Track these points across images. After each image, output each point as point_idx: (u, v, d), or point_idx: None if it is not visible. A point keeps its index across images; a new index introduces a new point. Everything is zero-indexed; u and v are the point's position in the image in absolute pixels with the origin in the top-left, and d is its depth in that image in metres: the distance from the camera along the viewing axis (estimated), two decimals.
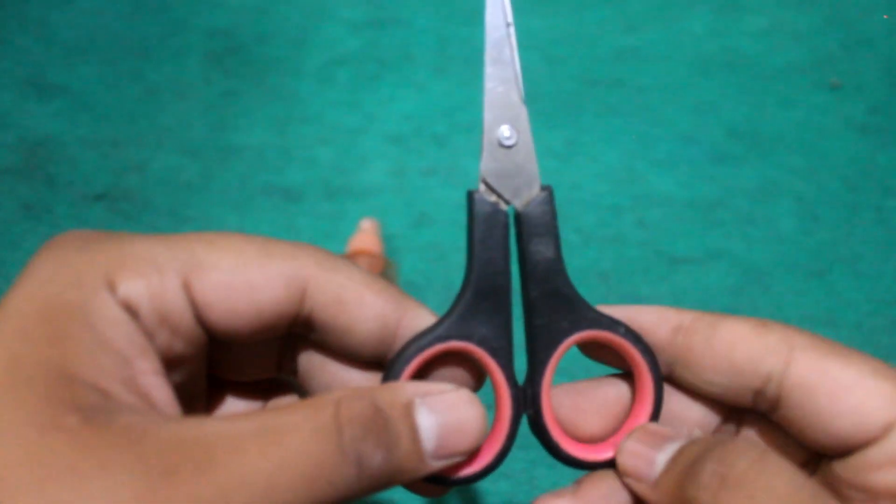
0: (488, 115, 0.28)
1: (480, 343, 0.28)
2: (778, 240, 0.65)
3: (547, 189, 0.29)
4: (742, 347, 0.26)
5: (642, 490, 0.26)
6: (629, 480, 0.27)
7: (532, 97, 0.87)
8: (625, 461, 0.27)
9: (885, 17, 0.83)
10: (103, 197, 0.68)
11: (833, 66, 0.79)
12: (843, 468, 0.25)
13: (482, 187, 0.28)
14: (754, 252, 0.64)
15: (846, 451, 0.25)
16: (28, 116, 0.76)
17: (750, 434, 0.28)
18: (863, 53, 0.80)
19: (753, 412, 0.28)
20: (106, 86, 0.79)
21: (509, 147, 0.28)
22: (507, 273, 0.28)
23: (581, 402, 0.29)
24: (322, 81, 0.79)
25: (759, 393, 0.26)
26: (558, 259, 0.29)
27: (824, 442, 0.25)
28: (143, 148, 0.73)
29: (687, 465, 0.24)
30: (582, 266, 0.63)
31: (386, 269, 0.59)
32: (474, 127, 0.83)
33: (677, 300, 0.61)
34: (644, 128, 0.74)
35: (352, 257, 0.60)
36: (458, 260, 0.68)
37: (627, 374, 0.30)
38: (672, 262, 0.63)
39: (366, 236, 0.62)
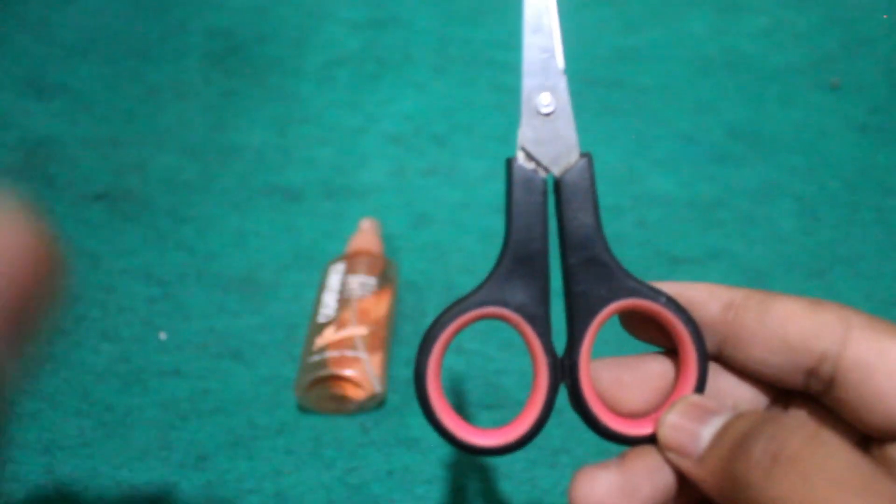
0: (527, 83, 0.29)
1: (518, 310, 0.27)
2: (778, 240, 0.65)
3: (586, 156, 0.28)
4: (796, 324, 0.25)
5: (686, 466, 0.25)
6: (671, 455, 0.26)
7: None
8: (667, 435, 0.26)
9: (884, 17, 0.83)
10: (103, 197, 0.69)
11: (833, 66, 0.79)
12: None
13: (521, 155, 0.28)
14: (754, 252, 0.64)
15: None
16: (28, 116, 0.76)
17: (799, 415, 0.27)
18: (863, 53, 0.80)
19: (802, 394, 0.27)
20: (106, 86, 0.79)
21: (547, 115, 0.29)
22: (544, 240, 0.28)
23: (623, 375, 0.28)
24: (322, 81, 0.79)
25: (812, 373, 0.25)
26: (597, 227, 0.28)
27: (880, 424, 0.24)
28: (143, 148, 0.73)
29: (735, 442, 0.23)
30: None
31: (386, 269, 0.59)
32: (474, 127, 0.84)
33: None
34: (644, 128, 0.74)
35: (352, 257, 0.60)
36: (459, 260, 0.68)
37: (671, 352, 0.29)
38: (672, 262, 0.63)
39: (366, 236, 0.62)
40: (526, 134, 0.29)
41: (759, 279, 0.62)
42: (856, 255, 0.64)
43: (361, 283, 0.58)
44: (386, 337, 0.57)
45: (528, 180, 0.28)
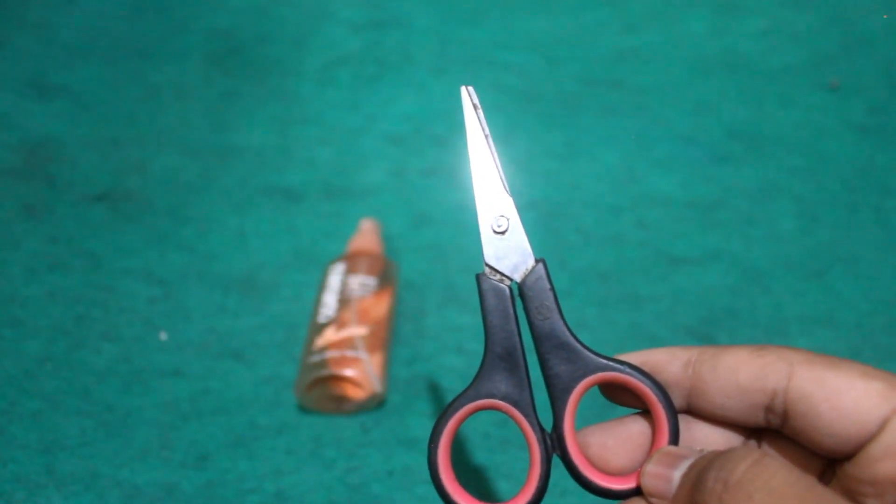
0: (481, 212, 0.34)
1: (504, 398, 0.32)
2: (778, 240, 0.65)
3: (541, 261, 0.33)
4: (744, 369, 0.29)
5: None
6: (654, 500, 0.29)
7: (532, 97, 0.88)
8: (647, 483, 0.30)
9: (884, 16, 0.83)
10: (104, 197, 0.69)
11: (832, 66, 0.79)
12: (851, 468, 0.27)
13: (487, 269, 0.33)
14: (754, 252, 0.64)
15: (851, 450, 0.27)
16: (29, 117, 0.76)
17: (769, 451, 0.30)
18: (862, 54, 0.80)
19: (769, 430, 0.30)
20: (106, 86, 0.79)
21: (502, 233, 0.34)
22: (517, 336, 0.32)
23: (607, 440, 0.32)
24: (322, 82, 0.79)
25: (768, 409, 0.29)
26: (559, 317, 0.32)
27: (830, 445, 0.27)
28: (143, 148, 0.73)
29: (695, 476, 0.27)
30: (582, 266, 0.63)
31: (386, 269, 0.60)
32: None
33: (677, 300, 0.61)
34: (644, 128, 0.74)
35: (352, 257, 0.60)
36: (458, 260, 0.68)
37: (647, 412, 0.32)
38: (672, 262, 0.63)
39: (366, 236, 0.62)
40: (488, 252, 0.33)
41: (759, 279, 0.62)
42: (855, 255, 0.64)
43: (361, 283, 0.58)
44: (386, 337, 0.57)
45: (496, 290, 0.33)
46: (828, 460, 0.29)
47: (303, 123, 0.75)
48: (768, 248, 0.64)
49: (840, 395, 0.26)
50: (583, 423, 0.33)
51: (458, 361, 0.57)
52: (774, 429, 0.29)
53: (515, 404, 0.32)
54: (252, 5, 0.86)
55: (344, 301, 0.57)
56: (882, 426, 0.26)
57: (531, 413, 0.32)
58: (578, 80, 0.78)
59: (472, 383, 0.33)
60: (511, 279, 0.33)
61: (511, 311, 0.33)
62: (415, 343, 0.59)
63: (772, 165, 0.70)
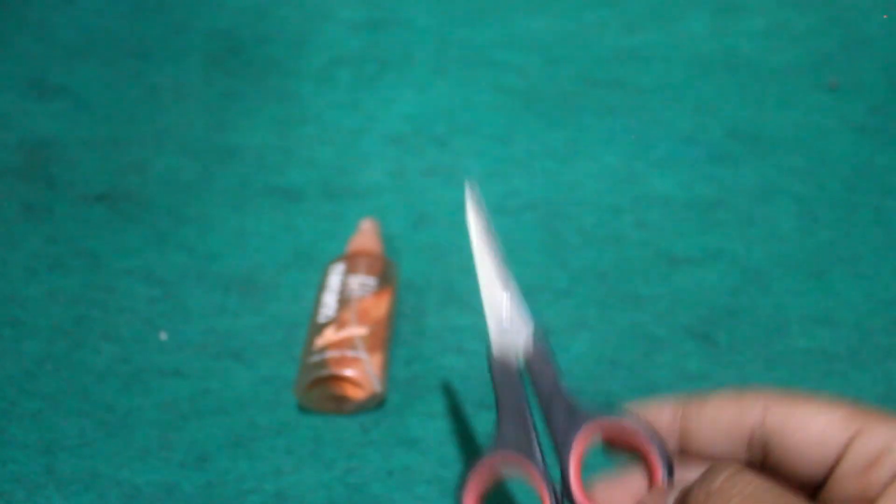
0: (488, 308, 0.38)
1: (517, 451, 0.36)
2: (777, 240, 0.65)
3: (540, 333, 0.38)
4: (725, 413, 0.32)
5: None
6: None
7: (532, 97, 0.88)
8: None
9: (884, 16, 0.83)
10: (104, 197, 0.69)
11: (832, 66, 0.79)
12: (827, 493, 0.30)
13: (496, 352, 0.38)
14: (754, 252, 0.64)
15: (823, 475, 0.30)
16: (29, 117, 0.76)
17: (728, 462, 0.33)
18: (862, 54, 0.80)
19: (756, 465, 0.32)
20: (106, 86, 0.79)
21: (507, 328, 0.38)
22: (525, 400, 0.37)
23: (613, 493, 0.34)
24: (322, 82, 0.79)
25: (749, 446, 0.32)
26: (558, 381, 0.37)
27: (805, 471, 0.30)
28: (143, 148, 0.73)
29: (684, 493, 0.30)
30: (582, 266, 0.63)
31: (386, 270, 0.60)
32: (474, 127, 0.84)
33: (677, 300, 0.61)
34: (644, 128, 0.74)
35: (352, 257, 0.60)
36: (458, 260, 0.68)
37: (645, 462, 0.35)
38: (672, 262, 0.63)
39: (366, 236, 0.62)
40: (496, 341, 0.38)
41: (758, 279, 0.62)
42: (855, 255, 0.64)
43: (361, 283, 0.58)
44: (386, 337, 0.57)
45: (504, 366, 0.38)
46: (810, 490, 0.31)
47: (303, 123, 0.75)
48: (768, 248, 0.64)
49: (808, 424, 0.30)
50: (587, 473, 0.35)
51: (458, 361, 0.57)
52: (758, 463, 0.32)
53: (530, 458, 0.36)
54: (252, 5, 0.86)
55: (344, 301, 0.57)
56: (845, 449, 0.29)
57: (541, 465, 0.36)
58: (578, 80, 0.78)
59: (490, 446, 0.37)
60: (518, 357, 0.38)
61: (519, 381, 0.37)
62: (415, 343, 0.59)
63: (772, 165, 0.70)
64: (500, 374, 0.38)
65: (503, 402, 0.37)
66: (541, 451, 0.36)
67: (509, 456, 0.37)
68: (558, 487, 0.35)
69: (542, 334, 0.38)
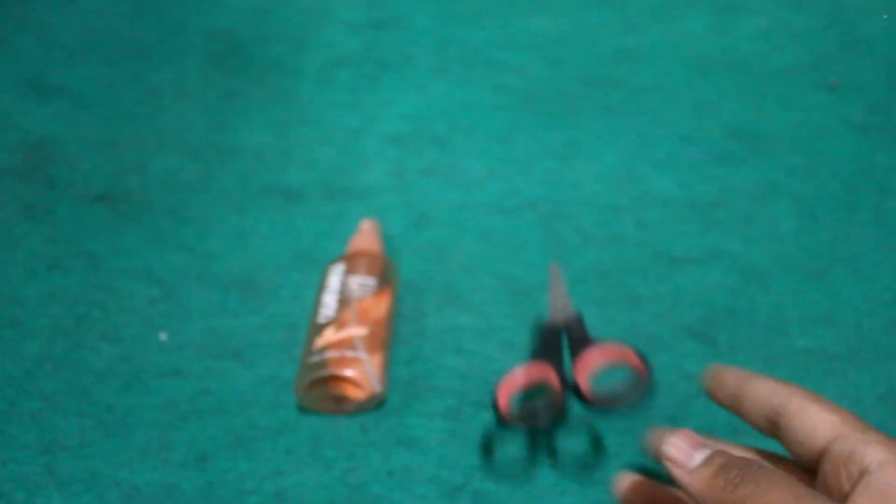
0: (551, 299, 0.53)
1: (543, 362, 0.50)
2: (777, 240, 0.65)
3: (578, 316, 0.52)
4: (763, 389, 0.38)
5: (678, 474, 0.35)
6: (667, 464, 0.36)
7: (532, 97, 0.88)
8: (668, 450, 0.36)
9: (884, 17, 0.83)
10: (104, 198, 0.69)
11: (832, 66, 0.79)
12: (820, 477, 0.36)
13: (548, 322, 0.52)
14: (754, 252, 0.64)
15: (816, 458, 0.36)
16: (29, 117, 0.76)
17: (752, 455, 0.40)
18: (862, 54, 0.80)
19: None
20: (106, 87, 0.79)
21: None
22: (559, 347, 0.51)
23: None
24: (322, 82, 0.79)
25: (768, 420, 0.38)
26: (586, 335, 0.51)
27: (799, 454, 0.36)
28: (143, 148, 0.73)
29: (717, 468, 0.34)
30: (582, 266, 0.63)
31: (386, 270, 0.60)
32: (474, 127, 0.83)
33: (677, 300, 0.61)
34: (643, 128, 0.74)
35: (352, 258, 0.60)
36: (458, 260, 0.68)
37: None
38: (671, 262, 0.63)
39: (366, 237, 0.62)
40: (550, 315, 0.52)
41: (759, 279, 0.62)
42: (854, 254, 0.64)
43: (361, 283, 0.58)
44: (386, 337, 0.57)
45: (552, 327, 0.52)
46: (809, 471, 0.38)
47: (303, 123, 0.75)
48: (768, 248, 0.64)
49: (806, 419, 0.36)
50: None
51: (458, 361, 0.57)
52: (770, 434, 0.38)
53: (553, 364, 0.50)
54: (252, 5, 0.87)
55: (344, 301, 0.57)
56: (830, 444, 0.35)
57: (561, 372, 0.50)
58: (578, 80, 0.78)
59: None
60: (561, 326, 0.52)
61: (559, 341, 0.51)
62: (415, 343, 0.59)
63: (771, 165, 0.70)
64: (547, 333, 0.51)
65: (543, 346, 0.51)
66: (562, 365, 0.50)
67: (537, 365, 0.50)
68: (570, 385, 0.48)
69: (579, 315, 0.52)
